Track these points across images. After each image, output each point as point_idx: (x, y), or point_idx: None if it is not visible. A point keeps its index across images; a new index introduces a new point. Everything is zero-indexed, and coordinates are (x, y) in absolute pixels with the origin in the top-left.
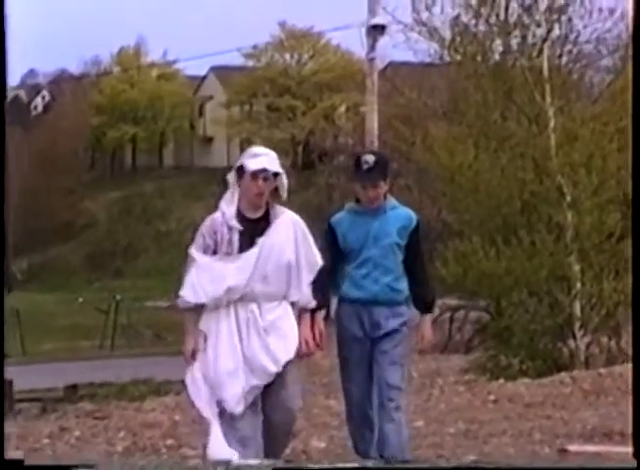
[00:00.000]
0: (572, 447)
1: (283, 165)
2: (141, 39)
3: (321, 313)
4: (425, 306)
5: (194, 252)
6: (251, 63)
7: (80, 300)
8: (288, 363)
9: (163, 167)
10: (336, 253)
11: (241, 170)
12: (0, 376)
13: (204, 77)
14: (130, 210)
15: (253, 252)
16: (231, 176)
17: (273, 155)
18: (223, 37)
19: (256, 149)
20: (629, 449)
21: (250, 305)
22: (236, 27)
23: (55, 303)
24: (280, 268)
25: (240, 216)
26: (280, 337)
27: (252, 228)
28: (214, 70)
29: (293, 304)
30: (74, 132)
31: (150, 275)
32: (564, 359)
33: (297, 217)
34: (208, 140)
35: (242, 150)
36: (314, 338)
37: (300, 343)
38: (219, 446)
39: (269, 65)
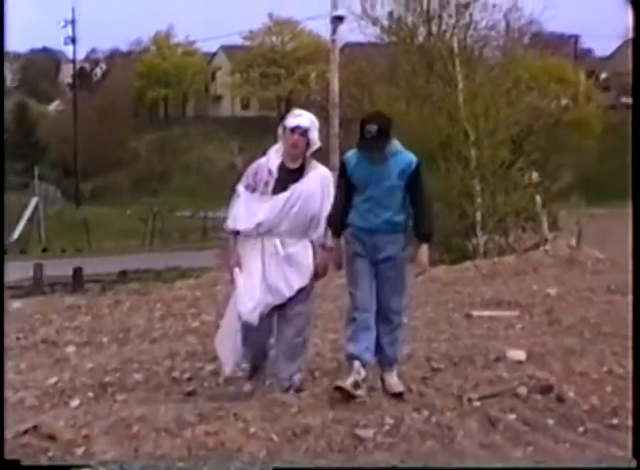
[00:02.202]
0: (475, 313)
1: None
2: (170, 26)
3: (338, 240)
4: (422, 237)
5: (240, 188)
6: (248, 43)
7: (129, 212)
8: (300, 289)
9: (186, 118)
10: (347, 186)
11: (284, 127)
12: (1, 378)
13: (215, 53)
14: (163, 147)
15: (285, 195)
16: (280, 132)
17: (310, 116)
18: (229, 24)
19: (297, 110)
20: (515, 313)
21: (274, 239)
22: (238, 17)
23: (111, 213)
24: (304, 212)
25: (281, 165)
26: (296, 267)
27: (288, 176)
28: (223, 48)
29: (311, 241)
30: (124, 93)
31: (177, 193)
32: (469, 252)
33: (327, 173)
34: (218, 98)
35: (242, 106)
36: (326, 267)
37: (316, 270)
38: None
39: (261, 44)
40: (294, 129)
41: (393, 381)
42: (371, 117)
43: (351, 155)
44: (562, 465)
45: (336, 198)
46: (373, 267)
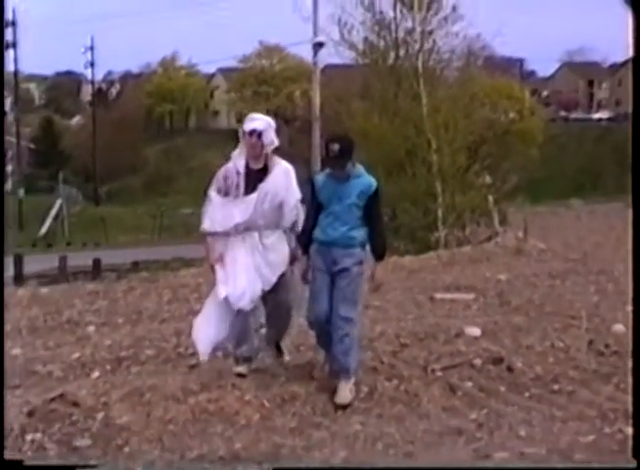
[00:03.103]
0: (437, 295)
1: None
2: (175, 51)
3: (306, 256)
4: (377, 255)
5: (211, 193)
6: (242, 65)
7: (140, 210)
8: (282, 274)
9: (189, 129)
10: (315, 203)
11: (243, 131)
12: (1, 382)
13: (213, 75)
14: (169, 155)
15: (254, 196)
16: (240, 135)
17: (266, 119)
18: (225, 50)
19: (253, 115)
20: (472, 296)
21: (253, 233)
22: (233, 43)
23: (125, 212)
24: (274, 205)
25: (246, 167)
26: (277, 254)
27: (255, 176)
28: (220, 70)
29: (284, 230)
30: (135, 109)
31: (181, 194)
32: (432, 243)
33: (288, 166)
34: (216, 113)
35: (237, 119)
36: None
37: (292, 255)
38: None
39: (253, 67)
40: (251, 133)
41: (342, 392)
42: (334, 137)
43: (319, 176)
44: (563, 465)
45: (307, 216)
46: (331, 279)
